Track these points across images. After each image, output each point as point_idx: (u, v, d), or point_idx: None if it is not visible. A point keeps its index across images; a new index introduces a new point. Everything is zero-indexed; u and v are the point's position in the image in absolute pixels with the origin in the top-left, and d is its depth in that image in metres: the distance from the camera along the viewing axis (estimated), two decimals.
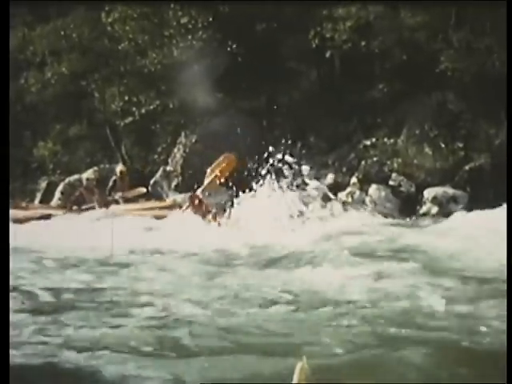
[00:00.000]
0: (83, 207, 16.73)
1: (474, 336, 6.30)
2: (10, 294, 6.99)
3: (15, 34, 21.02)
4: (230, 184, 15.15)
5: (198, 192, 15.12)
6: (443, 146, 16.01)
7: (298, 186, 14.64)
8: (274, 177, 14.21)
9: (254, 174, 14.46)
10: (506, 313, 5.82)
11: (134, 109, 18.33)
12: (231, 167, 15.65)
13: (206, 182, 15.43)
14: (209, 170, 15.65)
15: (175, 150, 17.80)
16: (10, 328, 4.64)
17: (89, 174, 17.85)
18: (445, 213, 14.71)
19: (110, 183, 17.21)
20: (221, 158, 15.74)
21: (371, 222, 13.93)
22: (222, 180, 15.33)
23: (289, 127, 17.04)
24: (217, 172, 15.43)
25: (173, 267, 10.27)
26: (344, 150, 16.83)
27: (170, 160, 17.86)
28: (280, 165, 14.47)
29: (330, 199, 15.33)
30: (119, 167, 17.50)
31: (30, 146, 20.32)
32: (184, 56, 17.49)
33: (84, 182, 17.25)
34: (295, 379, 3.32)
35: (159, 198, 17.22)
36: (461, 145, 15.89)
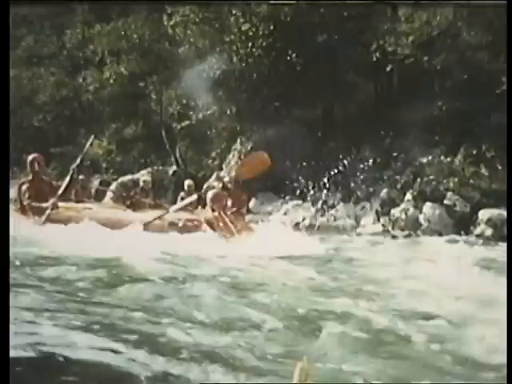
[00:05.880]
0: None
1: None
2: None
3: (75, 32, 21.30)
4: None
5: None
6: (500, 167, 15.83)
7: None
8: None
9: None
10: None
11: (190, 113, 18.41)
12: (263, 167, 13.14)
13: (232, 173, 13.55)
14: (239, 162, 13.85)
15: (230, 156, 17.84)
16: (9, 327, 4.64)
17: (144, 176, 17.64)
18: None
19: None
20: (254, 154, 13.91)
21: None
22: (248, 177, 13.04)
23: (344, 140, 16.98)
24: (246, 167, 13.10)
25: None
26: (399, 166, 16.73)
27: (224, 166, 17.92)
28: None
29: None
30: (143, 177, 16.13)
31: (84, 144, 20.48)
32: (243, 63, 17.50)
33: (140, 184, 17.10)
34: (295, 379, 3.31)
35: None
36: None
